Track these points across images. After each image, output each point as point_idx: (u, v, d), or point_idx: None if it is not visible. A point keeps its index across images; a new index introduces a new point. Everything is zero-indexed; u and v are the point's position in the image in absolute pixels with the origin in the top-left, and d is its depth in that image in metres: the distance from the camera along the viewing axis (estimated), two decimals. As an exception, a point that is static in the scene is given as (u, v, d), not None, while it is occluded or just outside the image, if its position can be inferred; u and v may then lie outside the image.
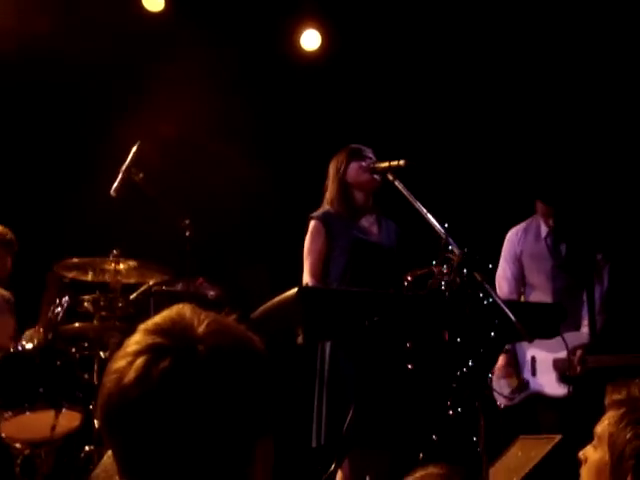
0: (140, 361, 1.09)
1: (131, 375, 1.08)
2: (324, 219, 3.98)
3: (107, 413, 1.11)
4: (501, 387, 4.63)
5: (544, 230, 4.79)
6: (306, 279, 3.90)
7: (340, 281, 3.86)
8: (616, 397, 1.70)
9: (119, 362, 1.12)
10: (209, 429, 1.08)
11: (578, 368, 4.48)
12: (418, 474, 1.80)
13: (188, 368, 1.07)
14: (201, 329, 1.12)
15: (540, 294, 4.69)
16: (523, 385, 4.60)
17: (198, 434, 1.07)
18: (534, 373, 4.60)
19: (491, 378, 4.66)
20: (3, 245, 4.69)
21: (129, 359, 1.10)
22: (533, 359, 4.61)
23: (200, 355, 1.09)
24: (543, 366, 4.57)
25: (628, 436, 1.64)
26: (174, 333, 1.11)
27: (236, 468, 1.11)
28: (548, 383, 4.54)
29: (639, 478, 1.63)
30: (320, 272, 3.90)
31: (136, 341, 1.13)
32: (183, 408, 1.06)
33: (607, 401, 1.75)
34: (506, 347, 4.60)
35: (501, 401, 4.62)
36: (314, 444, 3.74)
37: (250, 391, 1.12)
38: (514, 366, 4.64)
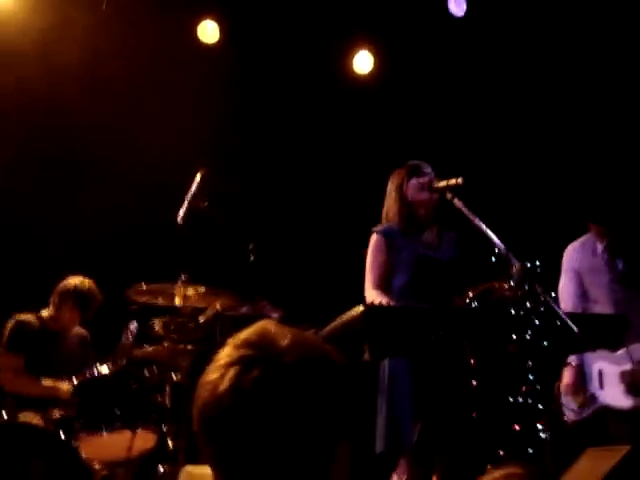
0: (232, 372, 1.19)
1: (225, 385, 1.19)
2: (386, 233, 4.03)
3: (203, 421, 1.21)
4: (569, 402, 4.64)
5: (599, 246, 4.81)
6: (369, 291, 3.94)
7: (401, 296, 3.91)
8: None
9: (212, 374, 1.22)
10: (296, 432, 1.17)
11: None
12: (497, 474, 1.79)
13: (276, 377, 1.18)
14: (285, 342, 1.22)
15: (601, 308, 4.69)
16: (590, 400, 4.60)
17: (286, 437, 1.17)
18: (602, 386, 4.59)
19: (559, 393, 4.68)
20: (74, 297, 4.88)
21: (222, 371, 1.20)
22: (600, 373, 4.60)
23: (286, 365, 1.19)
24: (610, 379, 4.56)
25: None
26: (261, 346, 1.22)
27: (318, 468, 1.21)
28: (616, 396, 4.53)
29: None
30: (383, 285, 3.94)
31: (227, 354, 1.23)
32: (273, 413, 1.17)
33: None
34: (573, 362, 4.61)
35: (570, 416, 4.63)
36: (378, 450, 3.81)
37: (331, 397, 1.22)
38: (581, 382, 4.64)
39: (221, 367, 1.21)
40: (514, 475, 1.74)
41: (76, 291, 4.84)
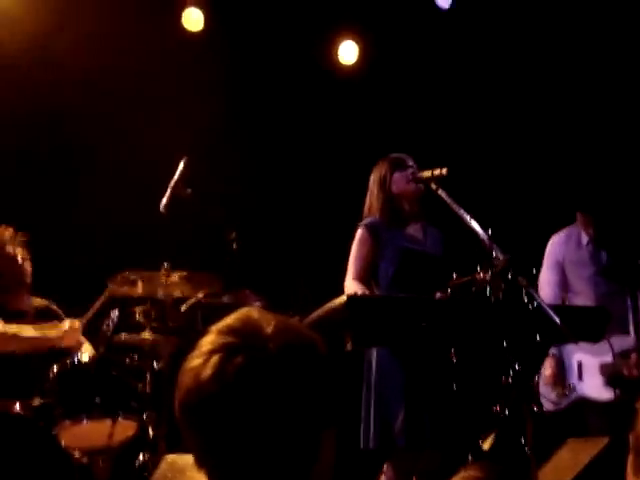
0: (215, 359, 1.18)
1: (208, 372, 1.17)
2: (372, 227, 4.04)
3: (185, 408, 1.20)
4: (548, 393, 4.67)
5: (584, 238, 4.85)
6: (349, 282, 3.94)
7: (388, 290, 3.92)
8: None
9: (195, 361, 1.21)
10: (280, 419, 1.17)
11: (635, 371, 4.50)
12: (460, 476, 1.84)
13: (260, 364, 1.17)
14: (269, 329, 1.21)
15: (583, 300, 4.74)
16: (569, 391, 4.63)
17: (270, 424, 1.16)
18: (581, 378, 4.63)
19: (538, 383, 4.71)
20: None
21: (204, 357, 1.19)
22: (580, 364, 4.64)
23: (270, 352, 1.18)
24: (590, 371, 4.60)
25: None
26: (245, 333, 1.21)
27: (303, 457, 1.20)
28: (595, 387, 4.57)
29: None
30: (365, 278, 3.95)
31: (210, 341, 1.22)
32: (256, 401, 1.16)
33: (638, 404, 1.77)
34: (552, 353, 4.64)
35: (548, 406, 4.66)
36: (362, 446, 3.81)
37: (316, 384, 1.21)
38: (560, 373, 4.67)
39: (204, 354, 1.20)
40: (474, 478, 1.77)
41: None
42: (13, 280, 4.41)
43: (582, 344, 4.41)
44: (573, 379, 4.65)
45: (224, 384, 1.16)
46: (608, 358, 4.54)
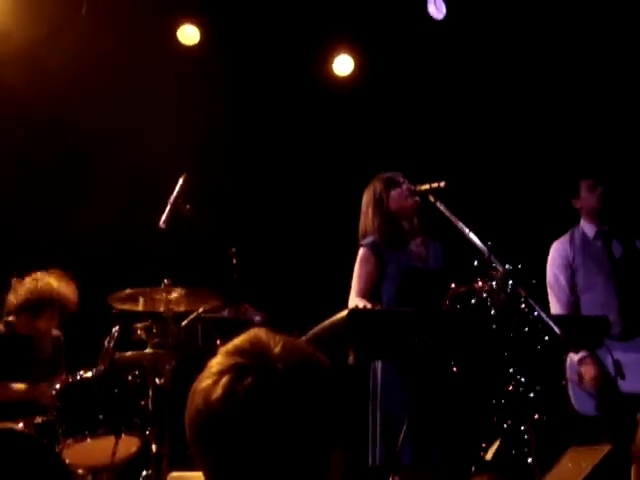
0: (225, 379, 1.20)
1: (218, 392, 1.19)
2: (374, 246, 4.02)
3: (196, 428, 1.22)
4: (592, 395, 4.55)
5: (590, 232, 4.81)
6: (352, 299, 3.94)
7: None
8: None
9: (205, 381, 1.23)
10: (289, 439, 1.19)
11: None
12: None
13: (269, 384, 1.19)
14: (277, 349, 1.24)
15: (601, 295, 4.66)
16: (613, 391, 4.49)
17: (279, 444, 1.18)
18: (622, 376, 4.51)
19: (579, 389, 4.59)
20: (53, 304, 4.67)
21: (214, 378, 1.21)
22: (618, 363, 4.53)
23: (279, 372, 1.20)
24: (631, 367, 4.50)
25: None
26: (253, 353, 1.23)
27: (313, 475, 1.22)
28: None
29: None
30: (369, 295, 3.93)
31: (219, 362, 1.24)
32: (266, 420, 1.18)
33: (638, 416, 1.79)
34: (587, 355, 4.52)
35: (589, 410, 4.53)
36: (371, 463, 3.79)
37: (323, 403, 1.23)
38: (604, 374, 4.51)
39: (214, 375, 1.22)
40: None
41: (57, 298, 4.64)
42: (46, 305, 4.64)
43: (612, 343, 4.35)
44: (614, 378, 4.52)
45: (234, 404, 1.18)
46: None
